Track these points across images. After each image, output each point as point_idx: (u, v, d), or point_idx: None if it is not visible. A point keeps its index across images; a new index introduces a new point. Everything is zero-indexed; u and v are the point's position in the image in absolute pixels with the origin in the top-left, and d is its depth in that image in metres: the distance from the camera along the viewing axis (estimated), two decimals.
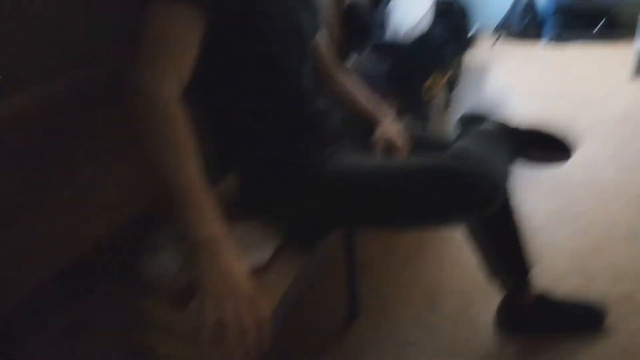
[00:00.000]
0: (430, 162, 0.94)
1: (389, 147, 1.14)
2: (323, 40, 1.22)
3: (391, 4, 2.09)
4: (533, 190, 2.02)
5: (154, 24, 0.82)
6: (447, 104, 2.85)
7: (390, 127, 1.18)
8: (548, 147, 1.23)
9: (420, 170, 0.92)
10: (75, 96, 0.86)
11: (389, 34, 1.98)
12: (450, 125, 2.72)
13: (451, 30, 2.25)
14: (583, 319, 1.37)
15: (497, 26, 4.35)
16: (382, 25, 2.05)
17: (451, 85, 2.25)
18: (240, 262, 0.73)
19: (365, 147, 1.15)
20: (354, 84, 1.26)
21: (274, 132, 1.03)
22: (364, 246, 1.44)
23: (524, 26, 4.18)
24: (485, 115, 1.34)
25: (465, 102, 2.98)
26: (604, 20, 3.97)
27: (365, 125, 1.20)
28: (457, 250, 1.75)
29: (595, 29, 3.98)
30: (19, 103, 0.76)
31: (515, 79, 3.38)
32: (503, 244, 1.29)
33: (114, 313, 0.84)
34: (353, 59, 1.86)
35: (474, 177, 0.90)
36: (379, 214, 0.97)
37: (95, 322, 0.83)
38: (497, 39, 4.29)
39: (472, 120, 1.34)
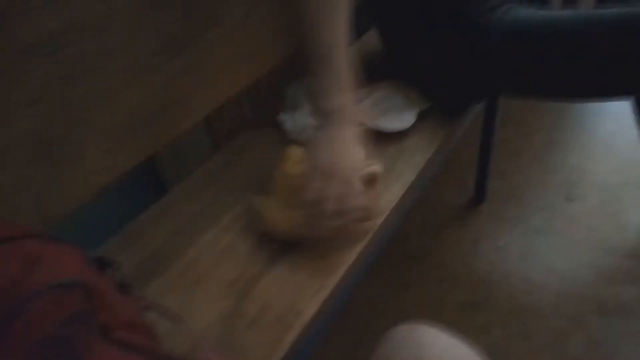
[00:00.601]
0: (632, 12, 0.73)
1: None
2: None
3: None
4: None
5: None
6: None
7: None
8: None
9: (619, 19, 0.73)
10: None
11: None
12: None
13: None
14: None
15: None
16: None
17: None
18: (357, 147, 0.68)
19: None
20: None
21: None
22: (501, 125, 1.30)
23: None
24: None
25: None
26: None
27: None
28: (605, 139, 1.54)
29: None
30: None
31: None
32: None
33: (251, 165, 0.84)
34: None
35: None
36: (553, 79, 0.81)
37: (230, 173, 0.83)
38: None
39: None
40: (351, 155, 0.67)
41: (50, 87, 0.55)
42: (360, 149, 0.69)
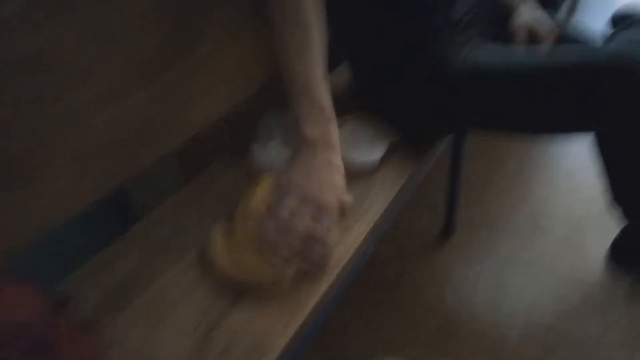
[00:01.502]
0: (589, 57, 0.77)
1: (531, 37, 0.99)
2: None
3: None
4: None
5: None
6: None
7: (531, 12, 1.01)
8: None
9: (575, 66, 0.77)
10: None
11: None
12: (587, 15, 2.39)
13: None
14: None
15: None
16: None
17: None
18: (339, 176, 0.69)
19: (501, 36, 1.00)
20: None
21: (394, 13, 0.89)
22: (470, 157, 1.33)
23: None
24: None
25: None
26: None
27: (502, 11, 1.04)
28: (569, 173, 1.60)
29: None
30: None
31: None
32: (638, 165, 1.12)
33: (220, 196, 0.84)
34: None
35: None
36: (514, 117, 0.85)
37: (201, 204, 0.83)
38: None
39: (625, 20, 1.13)
40: (332, 181, 0.68)
41: (20, 109, 0.55)
42: (341, 177, 0.69)
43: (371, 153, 0.88)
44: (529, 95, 0.80)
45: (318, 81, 0.70)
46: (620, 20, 1.14)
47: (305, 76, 0.70)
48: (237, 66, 0.84)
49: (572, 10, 1.90)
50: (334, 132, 0.70)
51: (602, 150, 1.13)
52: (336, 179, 0.69)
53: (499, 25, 1.02)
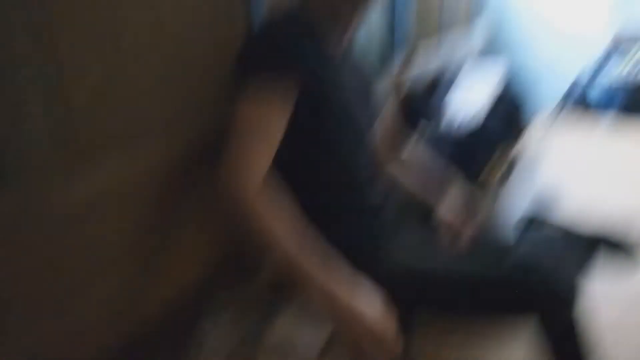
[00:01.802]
0: (497, 274, 0.97)
1: (453, 234, 1.13)
2: (378, 130, 1.24)
3: (448, 95, 2.15)
4: (602, 300, 1.91)
5: (243, 122, 0.87)
6: (501, 194, 2.81)
7: (453, 210, 1.17)
8: (615, 254, 1.19)
9: (486, 282, 0.95)
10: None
11: (445, 124, 2.02)
12: (506, 215, 2.66)
13: (507, 120, 2.27)
14: None
15: (554, 110, 4.34)
16: (439, 115, 2.10)
17: (507, 174, 2.24)
18: (373, 306, 0.78)
19: (427, 231, 1.16)
20: (407, 175, 1.28)
21: (330, 223, 1.03)
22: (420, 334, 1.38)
23: (581, 109, 4.16)
24: (546, 217, 1.31)
25: (522, 191, 2.93)
26: None
27: (425, 209, 1.21)
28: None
29: None
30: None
31: (574, 163, 3.31)
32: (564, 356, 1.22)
33: None
34: (410, 147, 1.89)
35: (544, 292, 0.92)
36: (447, 309, 1.01)
37: None
38: (554, 122, 4.27)
39: (533, 222, 1.32)
40: (373, 312, 0.77)
41: None
42: (376, 307, 0.78)
43: (307, 348, 0.93)
44: (456, 297, 0.97)
45: (314, 263, 0.79)
46: (527, 222, 1.34)
47: (304, 264, 0.79)
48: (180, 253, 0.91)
49: (495, 197, 2.16)
50: (352, 283, 0.79)
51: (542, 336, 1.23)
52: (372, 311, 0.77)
53: (426, 219, 1.18)
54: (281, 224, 0.81)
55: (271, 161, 0.87)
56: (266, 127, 0.87)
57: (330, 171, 1.03)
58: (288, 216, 0.82)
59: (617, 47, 4.03)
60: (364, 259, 0.99)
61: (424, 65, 2.40)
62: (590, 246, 1.19)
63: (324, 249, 0.82)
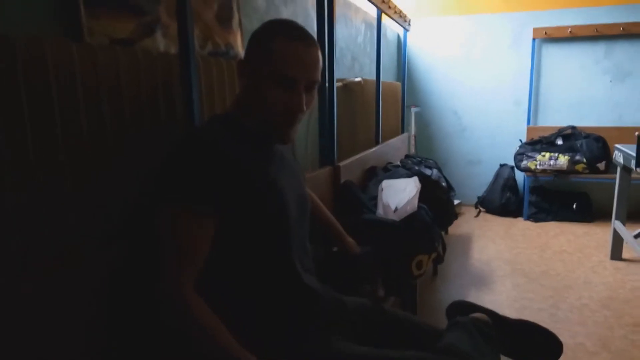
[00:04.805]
0: (421, 357, 1.02)
1: None
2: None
3: (382, 184, 2.27)
4: None
5: (171, 233, 0.93)
6: (433, 278, 2.92)
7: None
8: (536, 344, 1.26)
9: None
10: None
11: (379, 212, 2.11)
12: (437, 298, 2.74)
13: (437, 207, 2.41)
14: None
15: (479, 200, 4.63)
16: (372, 203, 2.20)
17: (438, 259, 2.33)
18: None
19: (358, 327, 1.19)
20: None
21: (267, 316, 1.05)
22: None
23: (504, 201, 4.44)
24: (473, 304, 1.38)
25: (453, 275, 3.05)
26: (578, 201, 4.26)
27: (357, 309, 1.23)
28: None
29: (572, 208, 4.23)
30: None
31: (499, 251, 3.51)
32: None
33: None
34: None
35: None
36: None
37: None
38: (479, 212, 4.54)
39: (460, 309, 1.38)
40: None
41: None
42: None
43: None
44: None
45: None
46: (456, 311, 1.40)
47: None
48: None
49: (413, 296, 2.23)
50: None
51: None
52: None
53: (358, 316, 1.21)
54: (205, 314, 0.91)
55: (200, 264, 0.94)
56: (192, 241, 0.93)
57: (263, 258, 1.05)
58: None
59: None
60: (298, 347, 1.01)
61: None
62: (514, 331, 1.26)
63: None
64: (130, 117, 1.20)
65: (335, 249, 1.49)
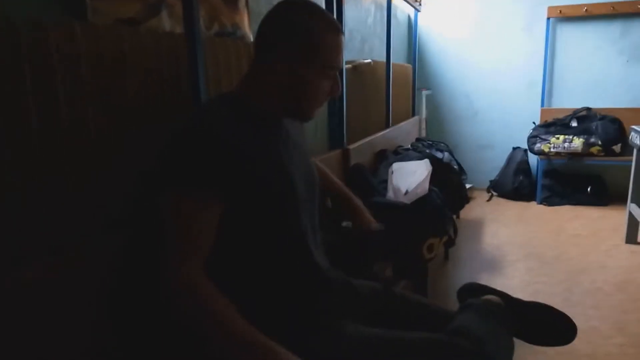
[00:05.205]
0: (433, 338, 1.01)
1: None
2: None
3: (392, 167, 2.24)
4: None
5: (176, 217, 0.91)
6: (445, 262, 2.90)
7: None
8: (550, 326, 1.23)
9: (423, 345, 0.99)
10: None
11: (389, 195, 2.09)
12: (448, 282, 2.73)
13: (448, 190, 2.38)
14: None
15: (491, 184, 4.57)
16: (382, 187, 2.18)
17: (449, 243, 2.31)
18: None
19: (369, 309, 1.17)
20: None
21: (279, 298, 1.04)
22: None
23: (516, 185, 4.38)
24: (485, 286, 1.36)
25: (464, 259, 3.03)
26: (592, 184, 4.19)
27: (366, 292, 1.22)
28: None
29: (587, 192, 4.17)
30: None
31: (511, 235, 3.47)
32: None
33: None
34: None
35: (475, 357, 0.95)
36: None
37: None
38: (491, 196, 4.49)
39: (472, 292, 1.35)
40: None
41: None
42: None
43: None
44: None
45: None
46: (468, 293, 1.38)
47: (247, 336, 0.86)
48: None
49: (425, 278, 2.20)
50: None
51: None
52: None
53: (368, 301, 1.19)
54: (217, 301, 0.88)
55: (207, 250, 0.92)
56: (198, 225, 0.91)
57: (274, 240, 1.04)
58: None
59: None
60: (306, 335, 1.00)
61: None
62: (527, 314, 1.24)
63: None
64: (134, 98, 1.18)
65: (344, 223, 1.43)
